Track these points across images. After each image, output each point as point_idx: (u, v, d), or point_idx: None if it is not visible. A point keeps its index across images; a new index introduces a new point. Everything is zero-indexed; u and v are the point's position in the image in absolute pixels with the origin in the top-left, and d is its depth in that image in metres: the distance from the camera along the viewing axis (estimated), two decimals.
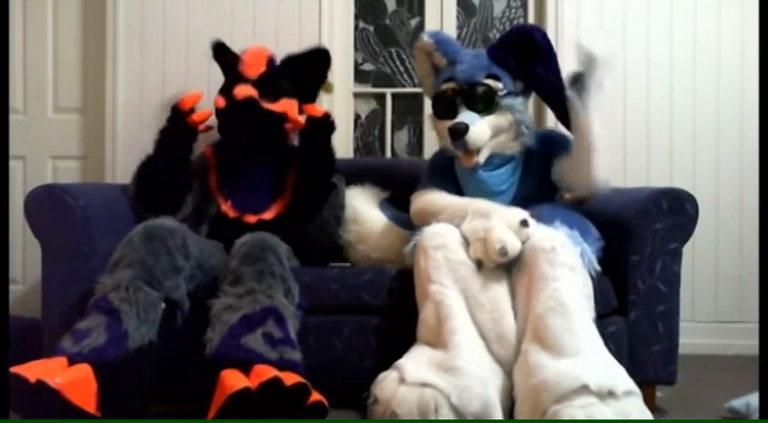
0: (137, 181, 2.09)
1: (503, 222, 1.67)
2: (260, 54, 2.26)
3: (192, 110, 2.10)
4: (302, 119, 2.11)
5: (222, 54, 2.34)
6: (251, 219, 2.12)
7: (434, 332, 1.65)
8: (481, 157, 1.92)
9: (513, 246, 1.64)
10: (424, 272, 1.72)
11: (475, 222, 1.72)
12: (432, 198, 1.96)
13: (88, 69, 2.84)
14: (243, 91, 2.13)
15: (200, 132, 2.16)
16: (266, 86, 2.18)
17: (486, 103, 1.91)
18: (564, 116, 1.94)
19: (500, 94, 1.92)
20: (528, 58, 1.95)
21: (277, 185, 2.19)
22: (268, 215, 2.14)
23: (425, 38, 2.03)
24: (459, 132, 1.87)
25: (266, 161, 2.20)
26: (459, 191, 2.01)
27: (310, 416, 1.52)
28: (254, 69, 2.21)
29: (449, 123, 1.91)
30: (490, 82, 1.93)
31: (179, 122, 2.08)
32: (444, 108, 1.97)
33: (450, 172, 2.04)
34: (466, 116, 1.90)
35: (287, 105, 2.19)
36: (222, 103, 2.16)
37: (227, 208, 2.15)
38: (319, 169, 2.10)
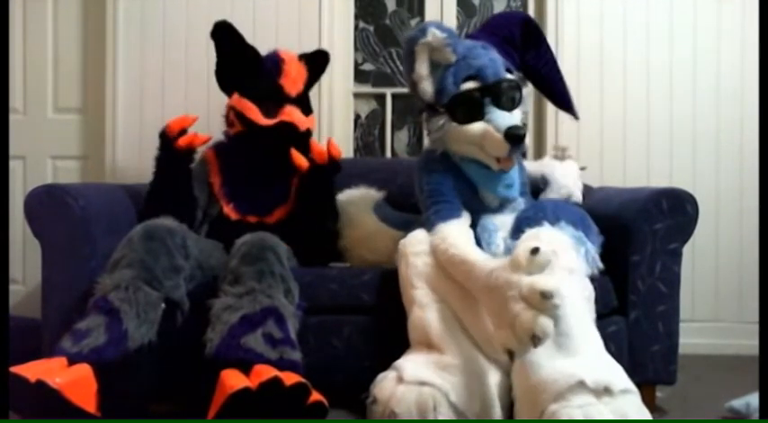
0: (145, 214, 2.01)
1: (524, 303, 1.39)
2: (300, 70, 2.21)
3: (184, 131, 2.03)
4: (306, 162, 2.05)
5: (225, 39, 2.17)
6: (252, 219, 2.12)
7: (425, 335, 1.65)
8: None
9: (544, 329, 1.36)
10: (406, 278, 1.73)
11: (494, 300, 1.48)
12: (455, 252, 1.67)
13: (88, 69, 2.84)
14: (297, 118, 2.10)
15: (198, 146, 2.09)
16: (303, 105, 2.19)
17: (516, 99, 1.81)
18: (560, 101, 1.94)
19: (521, 86, 1.85)
20: (526, 46, 1.92)
21: (280, 192, 2.17)
22: (270, 220, 2.13)
23: (436, 32, 1.78)
24: (523, 138, 1.71)
25: (271, 167, 2.18)
26: (470, 186, 1.88)
27: (310, 416, 1.52)
28: (295, 87, 2.18)
29: (479, 126, 1.76)
30: (512, 76, 1.84)
31: (168, 149, 2.02)
32: (470, 111, 1.78)
33: (453, 171, 1.88)
34: (503, 117, 1.75)
35: (312, 122, 2.21)
36: (264, 120, 2.09)
37: (229, 210, 2.13)
38: (319, 214, 2.09)
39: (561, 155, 2.29)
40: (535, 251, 1.41)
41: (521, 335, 1.36)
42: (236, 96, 2.15)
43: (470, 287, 1.62)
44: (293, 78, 2.17)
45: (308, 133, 2.16)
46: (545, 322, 1.35)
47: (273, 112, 2.10)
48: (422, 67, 1.82)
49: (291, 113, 2.10)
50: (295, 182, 2.15)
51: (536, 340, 1.35)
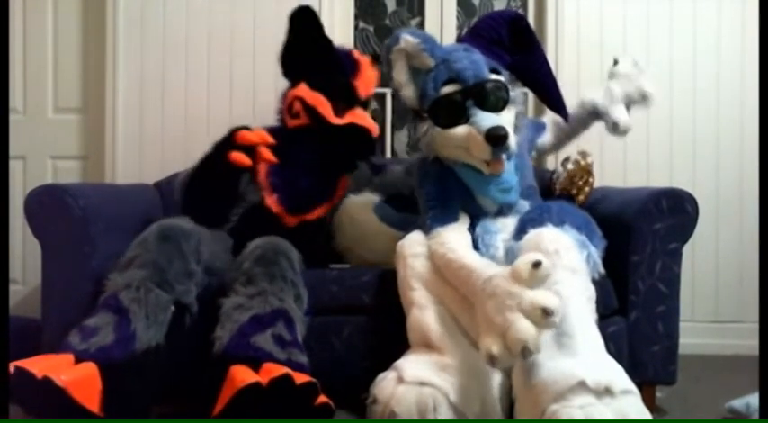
0: (184, 197, 1.97)
1: (523, 315, 1.39)
2: (374, 74, 2.17)
3: (250, 148, 1.89)
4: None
5: (306, 25, 2.05)
6: (292, 221, 2.04)
7: (424, 336, 1.65)
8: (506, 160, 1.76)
9: (537, 344, 1.37)
10: (405, 279, 1.74)
11: (490, 306, 1.45)
12: (453, 257, 1.67)
13: (88, 69, 2.84)
14: (369, 123, 2.02)
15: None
16: (367, 109, 2.15)
17: (503, 100, 1.76)
18: (551, 101, 1.93)
19: (509, 87, 1.80)
20: (515, 46, 1.89)
21: (327, 188, 2.11)
22: (312, 216, 2.06)
23: (409, 38, 1.77)
24: (504, 138, 1.66)
25: (323, 165, 2.07)
26: (467, 190, 1.85)
27: (317, 416, 1.52)
28: (367, 90, 2.13)
29: (462, 130, 1.72)
30: (498, 77, 1.80)
31: (223, 153, 1.90)
32: (452, 114, 1.75)
33: (449, 175, 1.86)
34: (487, 118, 1.70)
35: None
36: (337, 119, 2.00)
37: (271, 202, 2.03)
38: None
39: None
40: (537, 264, 1.41)
41: (512, 344, 1.37)
42: (305, 87, 2.04)
43: (467, 291, 1.61)
44: (367, 81, 2.14)
45: (376, 141, 2.09)
46: (539, 337, 1.36)
47: (342, 111, 2.03)
48: (399, 75, 1.82)
49: (364, 118, 2.04)
50: (343, 182, 2.12)
51: (526, 352, 1.36)
